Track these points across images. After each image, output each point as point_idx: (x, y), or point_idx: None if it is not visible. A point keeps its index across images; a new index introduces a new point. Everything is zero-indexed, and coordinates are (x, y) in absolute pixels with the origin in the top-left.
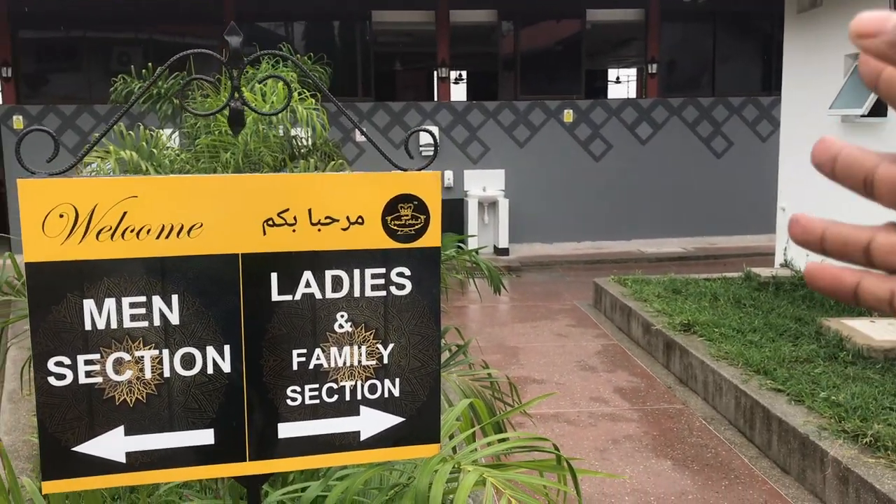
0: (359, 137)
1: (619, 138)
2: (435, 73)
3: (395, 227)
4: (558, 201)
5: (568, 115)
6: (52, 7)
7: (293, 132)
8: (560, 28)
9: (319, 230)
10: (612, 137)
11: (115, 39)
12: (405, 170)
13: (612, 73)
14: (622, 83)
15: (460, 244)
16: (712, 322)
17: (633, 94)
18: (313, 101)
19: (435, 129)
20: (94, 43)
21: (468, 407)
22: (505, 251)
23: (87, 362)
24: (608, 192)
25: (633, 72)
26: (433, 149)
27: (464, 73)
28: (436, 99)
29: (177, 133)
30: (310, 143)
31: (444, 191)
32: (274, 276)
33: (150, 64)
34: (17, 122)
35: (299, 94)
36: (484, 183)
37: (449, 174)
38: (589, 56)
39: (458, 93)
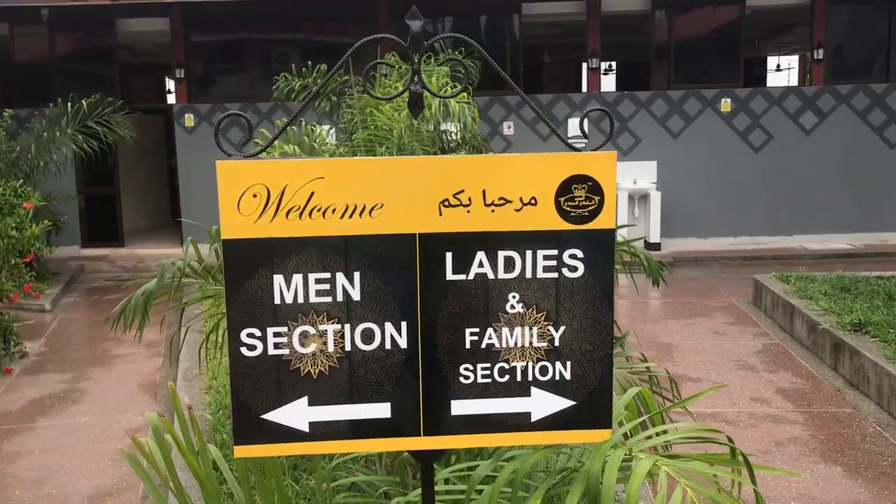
0: (506, 131)
1: (781, 128)
2: (584, 64)
3: (569, 209)
4: (714, 194)
5: (725, 105)
6: (219, 12)
7: (443, 127)
8: (717, 14)
9: (493, 211)
10: (772, 127)
11: (276, 41)
12: (579, 150)
13: (772, 61)
14: (783, 71)
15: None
16: (886, 322)
17: (794, 82)
18: (465, 95)
19: (585, 121)
20: (255, 45)
21: (635, 399)
22: (656, 246)
23: (275, 334)
24: (768, 185)
25: (794, 59)
26: (583, 140)
27: (614, 64)
28: (585, 90)
29: (333, 129)
30: (458, 137)
31: None
32: (449, 255)
33: (308, 63)
34: (189, 119)
35: (452, 87)
36: (635, 175)
37: None
38: (748, 43)
39: (609, 84)
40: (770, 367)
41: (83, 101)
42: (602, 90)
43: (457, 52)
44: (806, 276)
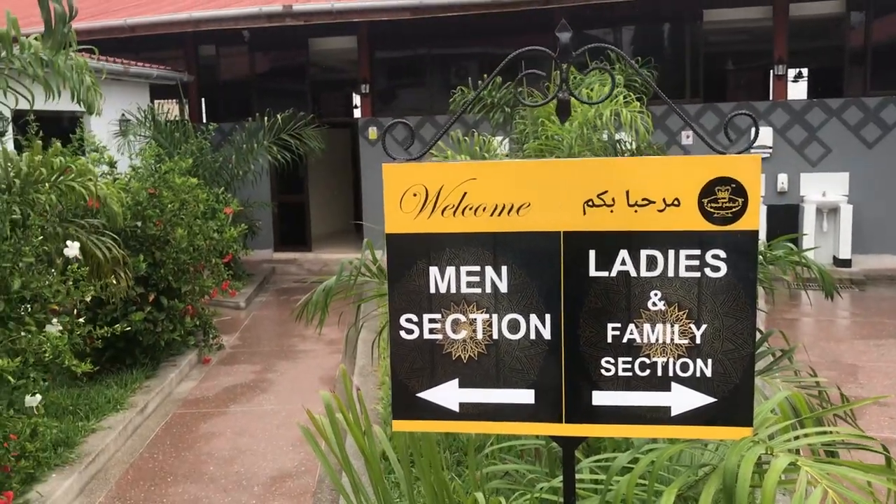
0: (685, 140)
1: None
2: (770, 71)
3: (712, 210)
4: None
5: None
6: (402, 29)
7: (617, 136)
8: None
9: (636, 211)
10: None
11: (454, 55)
12: (723, 153)
13: None
14: None
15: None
16: None
17: None
18: (638, 104)
19: (768, 130)
20: (434, 59)
21: (787, 403)
22: (847, 262)
23: (430, 320)
24: None
25: None
26: (765, 148)
27: (804, 71)
28: (770, 98)
29: (506, 139)
30: (633, 146)
31: (777, 195)
32: (592, 253)
33: (484, 76)
34: (372, 132)
35: (624, 97)
36: (824, 187)
37: (783, 177)
38: None
39: (796, 91)
40: None
41: (278, 116)
42: (790, 97)
43: (634, 62)
44: None
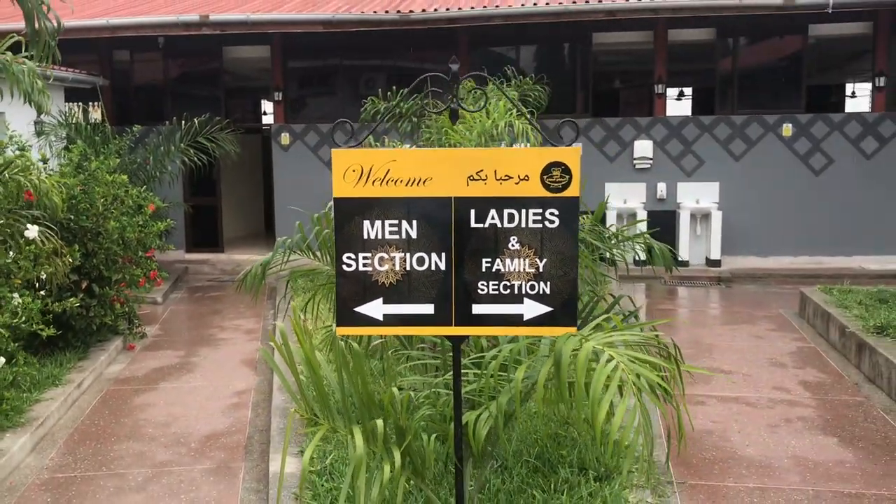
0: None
1: (842, 153)
2: (651, 89)
3: (549, 183)
4: (774, 215)
5: (787, 130)
6: (314, 41)
7: (515, 145)
8: (781, 44)
9: (501, 183)
10: (833, 152)
11: (363, 66)
12: (555, 146)
13: (839, 88)
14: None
15: (672, 251)
16: None
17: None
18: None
19: (649, 143)
20: (345, 70)
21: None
22: (717, 262)
23: (363, 258)
24: (828, 207)
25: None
26: (648, 161)
27: (680, 90)
28: (652, 114)
29: (413, 146)
30: None
31: (657, 202)
32: (472, 211)
33: (393, 87)
34: (285, 138)
35: (518, 111)
36: (697, 195)
37: (662, 186)
38: (811, 71)
39: (675, 108)
40: (799, 364)
41: (195, 120)
42: (668, 114)
43: (528, 79)
44: (848, 289)
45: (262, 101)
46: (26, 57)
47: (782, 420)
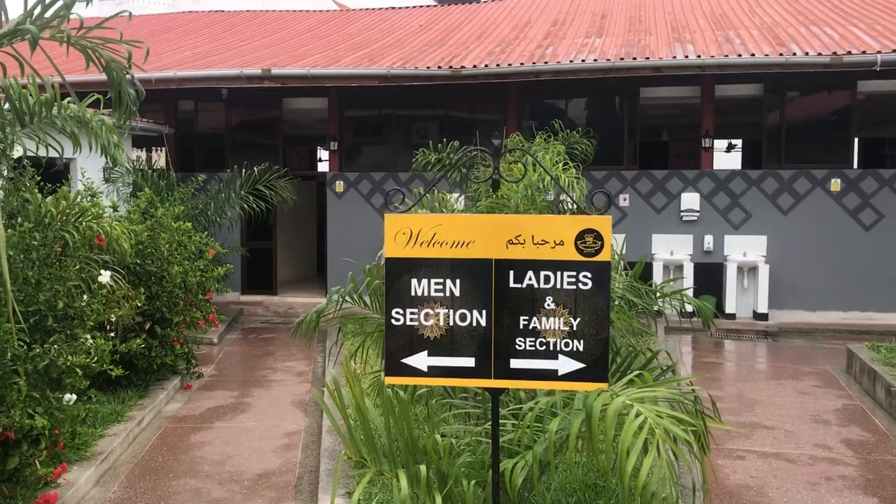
0: (622, 202)
1: (893, 208)
2: (699, 142)
3: (582, 248)
4: (823, 269)
5: (835, 185)
6: (369, 93)
7: (563, 197)
8: (829, 99)
9: (538, 247)
10: (884, 207)
11: (416, 116)
12: (589, 214)
13: (890, 143)
14: None
15: (718, 304)
16: None
17: None
18: (574, 170)
19: (696, 195)
20: (398, 120)
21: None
22: (764, 316)
23: (410, 313)
24: (879, 263)
25: None
26: (692, 212)
27: (728, 143)
28: (699, 167)
29: (462, 196)
30: (574, 206)
31: (704, 254)
32: (511, 272)
33: (444, 138)
34: (339, 185)
35: (564, 164)
36: (745, 248)
37: (709, 238)
38: (861, 126)
39: (722, 161)
40: (843, 422)
41: (255, 168)
42: (716, 167)
43: (575, 133)
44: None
45: (318, 150)
46: (103, 114)
47: (822, 478)
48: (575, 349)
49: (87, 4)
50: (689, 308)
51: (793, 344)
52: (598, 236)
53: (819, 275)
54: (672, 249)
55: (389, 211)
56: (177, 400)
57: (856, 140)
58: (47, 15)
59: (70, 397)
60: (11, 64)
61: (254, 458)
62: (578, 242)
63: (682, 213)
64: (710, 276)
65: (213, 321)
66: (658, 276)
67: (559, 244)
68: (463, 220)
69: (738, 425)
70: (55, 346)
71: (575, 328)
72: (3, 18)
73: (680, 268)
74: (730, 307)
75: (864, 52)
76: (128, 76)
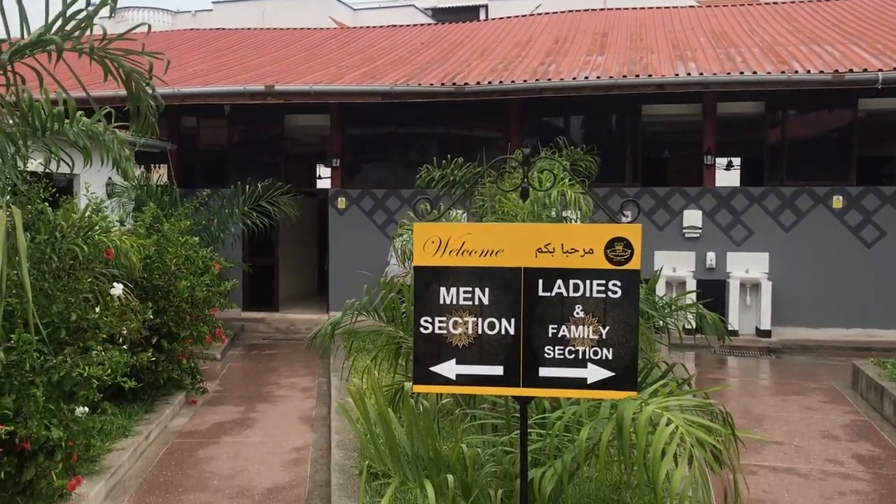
0: (624, 220)
1: (894, 225)
2: (701, 159)
3: (612, 256)
4: (826, 286)
5: (837, 202)
6: (371, 110)
7: (564, 214)
8: (831, 116)
9: (567, 256)
10: (885, 224)
11: (417, 134)
12: (619, 223)
13: (891, 161)
14: None
15: (721, 319)
16: None
17: None
18: (580, 186)
19: (698, 213)
20: (400, 137)
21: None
22: (767, 333)
23: (439, 321)
24: (882, 280)
25: None
26: (697, 231)
27: (729, 160)
28: (701, 184)
29: (465, 213)
30: (578, 221)
31: (706, 271)
32: (540, 281)
33: (447, 155)
34: (341, 202)
35: (570, 180)
36: (747, 265)
37: (711, 255)
38: (862, 143)
39: (724, 179)
40: (852, 437)
41: (258, 185)
42: (718, 184)
43: (579, 150)
44: None
45: (318, 167)
46: (117, 128)
47: (835, 493)
48: (604, 357)
49: (112, 15)
50: (691, 325)
51: (796, 360)
52: (628, 245)
53: (821, 291)
54: (675, 266)
55: (356, 226)
56: (182, 415)
57: (856, 158)
58: (68, 27)
59: (83, 409)
60: (27, 74)
61: (263, 473)
62: (608, 251)
63: (684, 230)
64: (712, 293)
65: (219, 336)
66: (660, 293)
67: (588, 252)
68: (492, 229)
69: (747, 441)
70: (70, 358)
71: (604, 336)
72: (26, 30)
73: (683, 285)
74: (733, 324)
75: (865, 70)
76: (147, 88)
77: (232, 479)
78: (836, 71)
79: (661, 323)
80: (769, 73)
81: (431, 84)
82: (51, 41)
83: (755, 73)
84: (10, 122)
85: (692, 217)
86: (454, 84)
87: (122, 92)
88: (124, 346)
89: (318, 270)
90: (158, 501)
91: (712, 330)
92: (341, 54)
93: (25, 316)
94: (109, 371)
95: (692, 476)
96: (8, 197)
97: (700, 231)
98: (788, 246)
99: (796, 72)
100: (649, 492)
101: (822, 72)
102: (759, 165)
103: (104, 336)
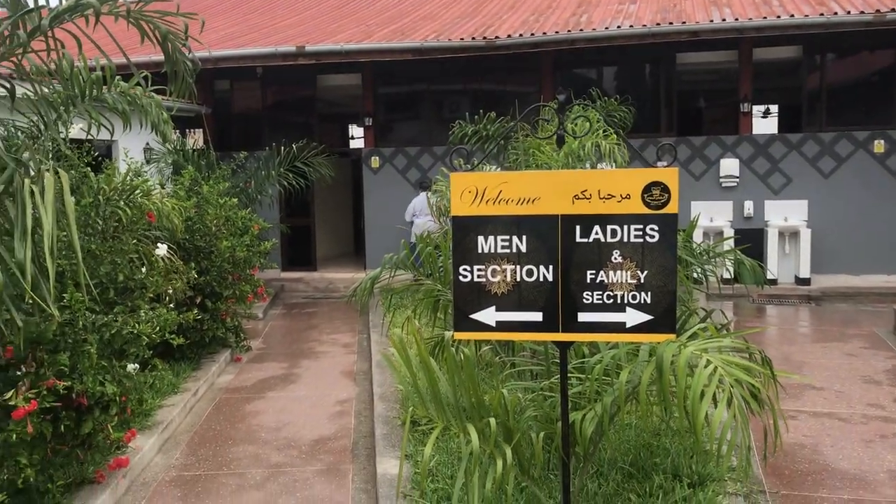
0: (660, 165)
1: None
2: (737, 107)
3: (649, 201)
4: (867, 233)
5: (878, 146)
6: (402, 68)
7: (599, 165)
8: (871, 58)
9: (604, 202)
10: None
11: (449, 91)
12: (655, 167)
13: None
14: None
15: (760, 265)
16: None
17: None
18: (615, 137)
19: (735, 161)
20: (432, 94)
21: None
22: (806, 281)
23: (478, 269)
24: None
25: None
26: (735, 180)
27: (766, 107)
28: (738, 132)
29: (499, 168)
30: None
31: (744, 220)
32: (578, 227)
33: (480, 110)
34: (375, 161)
35: (604, 131)
36: (785, 213)
37: (749, 204)
38: None
39: (761, 126)
40: (895, 382)
41: (293, 146)
42: (754, 132)
43: (613, 100)
44: None
45: (351, 126)
46: (154, 91)
47: (877, 436)
48: (643, 301)
49: None
50: (728, 274)
51: (836, 308)
52: (665, 189)
53: (862, 238)
54: (712, 216)
55: (391, 185)
56: (228, 372)
57: None
58: None
59: (134, 366)
60: (63, 39)
61: (308, 425)
62: (645, 196)
63: (721, 180)
64: (751, 242)
65: (261, 294)
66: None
67: (625, 198)
68: (529, 177)
69: (787, 386)
70: (119, 317)
71: (642, 280)
72: None
73: (720, 234)
74: (771, 272)
75: None
76: (184, 49)
77: (279, 431)
78: (878, 11)
79: (698, 272)
80: (807, 15)
81: (462, 39)
82: (89, 5)
83: (792, 16)
84: (50, 88)
85: (729, 166)
86: (485, 38)
87: (156, 57)
88: (171, 306)
89: (353, 230)
90: (209, 454)
91: (751, 277)
92: (370, 12)
93: (76, 276)
94: (158, 329)
95: (731, 417)
96: (52, 161)
97: (737, 180)
98: (828, 192)
99: (835, 13)
100: (689, 436)
101: (862, 12)
102: (797, 112)
103: (151, 296)
